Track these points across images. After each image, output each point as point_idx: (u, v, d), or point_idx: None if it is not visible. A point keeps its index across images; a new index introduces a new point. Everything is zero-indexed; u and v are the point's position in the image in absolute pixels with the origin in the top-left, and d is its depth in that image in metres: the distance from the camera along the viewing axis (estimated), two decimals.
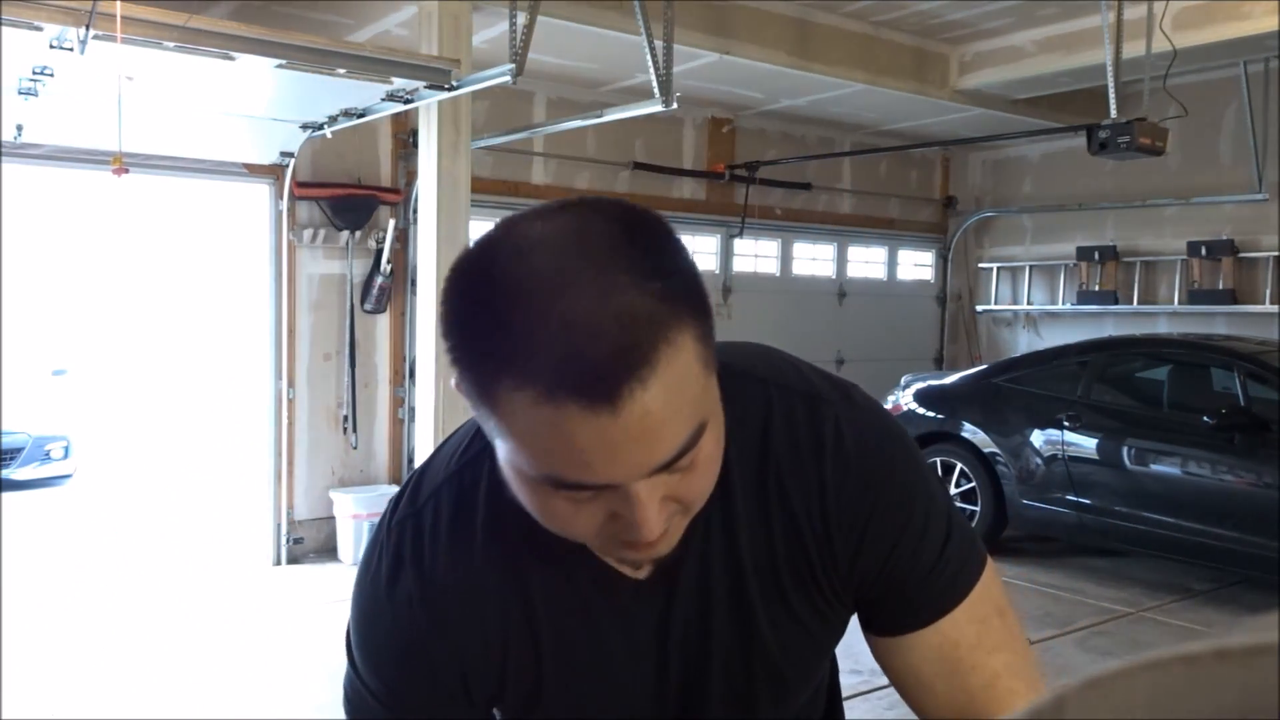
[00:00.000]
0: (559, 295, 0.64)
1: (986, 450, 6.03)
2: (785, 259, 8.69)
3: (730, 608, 0.87)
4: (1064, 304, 8.81)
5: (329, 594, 5.30)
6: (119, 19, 3.28)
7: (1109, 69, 5.26)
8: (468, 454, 0.88)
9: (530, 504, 0.73)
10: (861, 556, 0.87)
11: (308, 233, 5.92)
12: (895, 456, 0.88)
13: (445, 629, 0.85)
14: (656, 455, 0.67)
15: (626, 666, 0.89)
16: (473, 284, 0.68)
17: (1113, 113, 5.20)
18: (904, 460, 0.88)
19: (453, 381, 0.72)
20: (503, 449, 0.70)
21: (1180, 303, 7.98)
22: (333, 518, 6.04)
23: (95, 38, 3.39)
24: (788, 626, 0.89)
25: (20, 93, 4.18)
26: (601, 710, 0.90)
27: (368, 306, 6.20)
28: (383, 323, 6.32)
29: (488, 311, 0.66)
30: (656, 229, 0.69)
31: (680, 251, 0.70)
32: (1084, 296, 8.56)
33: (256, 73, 4.05)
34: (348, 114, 5.02)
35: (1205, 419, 5.17)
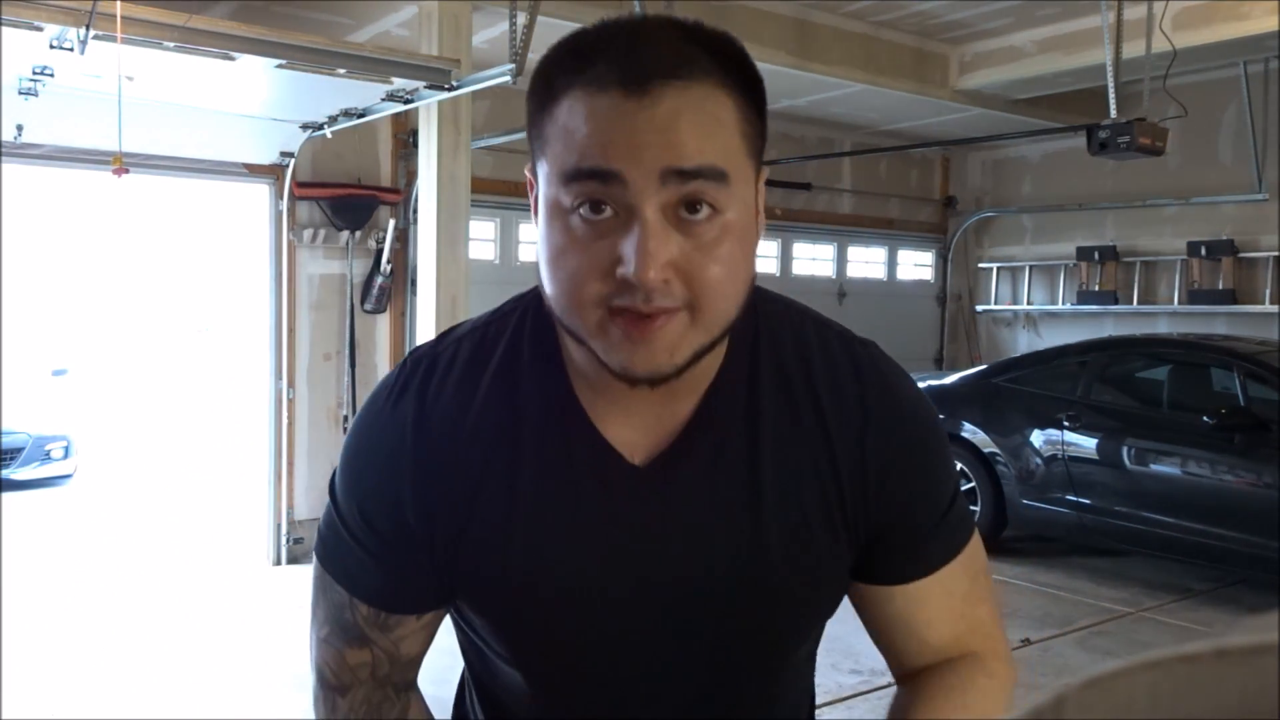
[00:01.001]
0: (637, 28, 0.75)
1: (986, 450, 6.03)
2: (785, 259, 8.69)
3: (738, 515, 0.85)
4: (1064, 304, 8.81)
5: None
6: (119, 19, 3.28)
7: (1109, 69, 5.25)
8: (496, 314, 0.91)
9: (548, 255, 0.75)
10: (888, 491, 0.87)
11: (308, 233, 5.92)
12: (925, 403, 0.92)
13: (427, 459, 0.84)
14: (675, 153, 0.70)
15: (603, 554, 0.84)
16: (564, 41, 0.76)
17: (1113, 113, 5.20)
18: (930, 408, 0.92)
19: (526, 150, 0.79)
20: (543, 175, 0.75)
21: (1180, 303, 7.99)
22: None
23: (95, 38, 3.39)
24: (800, 549, 0.86)
25: (20, 93, 4.18)
26: (565, 591, 0.85)
27: (368, 306, 6.20)
28: (383, 323, 6.32)
29: (572, 47, 0.75)
30: (744, 51, 0.78)
31: (756, 72, 0.78)
32: (1084, 296, 8.56)
33: (256, 73, 4.05)
34: (348, 114, 5.02)
35: (1205, 419, 5.17)
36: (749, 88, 0.76)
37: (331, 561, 0.90)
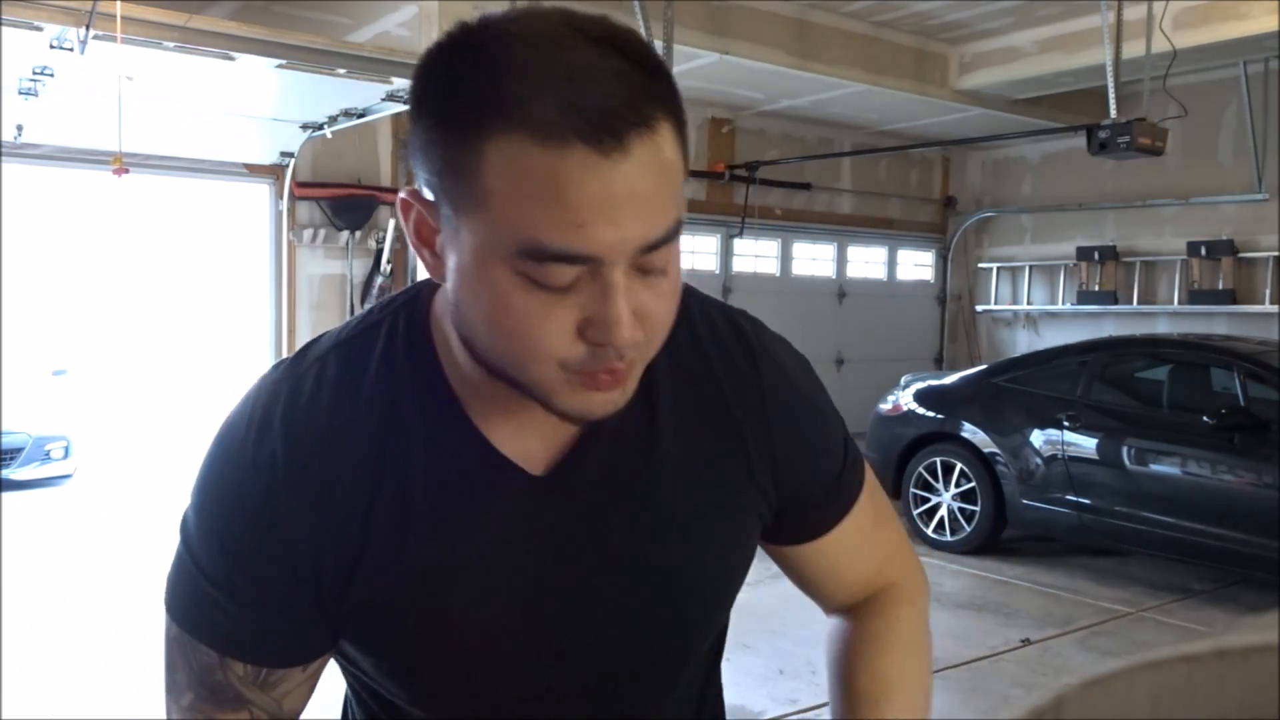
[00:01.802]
0: (559, 51, 0.61)
1: (986, 450, 6.03)
2: (785, 259, 8.69)
3: (640, 508, 0.81)
4: (1064, 304, 8.81)
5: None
6: (119, 19, 3.28)
7: (1109, 69, 5.25)
8: (362, 326, 0.81)
9: (494, 316, 0.66)
10: (794, 455, 0.86)
11: (308, 233, 5.92)
12: (807, 368, 0.91)
13: (307, 493, 0.75)
14: (648, 227, 0.63)
15: (502, 572, 0.79)
16: (456, 47, 0.64)
17: (1113, 113, 5.20)
18: (809, 368, 0.92)
19: (410, 186, 0.67)
20: (471, 233, 0.64)
21: (1180, 303, 7.99)
22: None
23: (95, 38, 3.39)
24: (710, 533, 0.83)
25: (20, 93, 4.19)
26: (467, 625, 0.79)
27: (368, 306, 6.21)
28: None
29: (477, 64, 0.62)
30: (639, 36, 0.67)
31: (661, 60, 0.67)
32: (1084, 296, 8.56)
33: (257, 73, 4.05)
34: (348, 114, 5.03)
35: (1205, 419, 5.17)
36: (671, 87, 0.66)
37: (192, 619, 0.81)
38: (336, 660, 0.87)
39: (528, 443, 0.78)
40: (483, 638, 0.80)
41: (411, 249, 0.71)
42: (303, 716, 0.87)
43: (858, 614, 0.97)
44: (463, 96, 0.62)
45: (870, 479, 0.95)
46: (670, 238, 0.65)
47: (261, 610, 0.78)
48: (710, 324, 0.86)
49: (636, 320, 0.66)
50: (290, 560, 0.76)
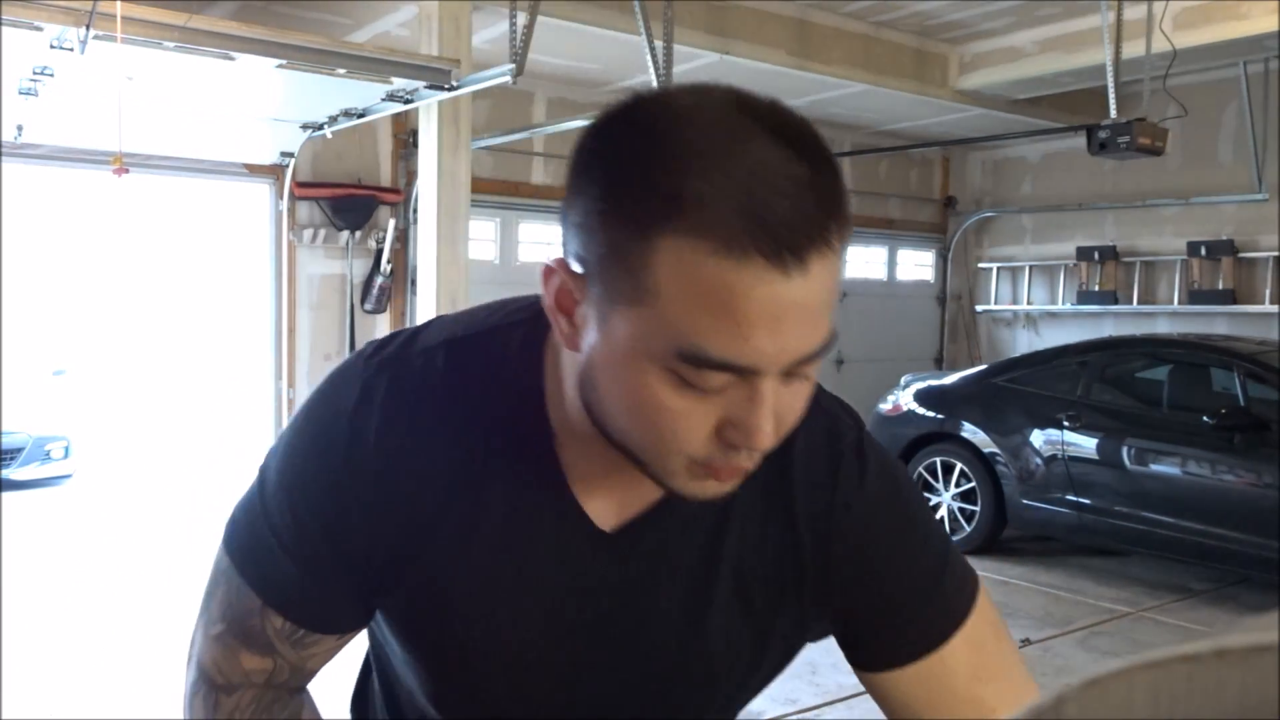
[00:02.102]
0: (739, 148, 0.59)
1: (986, 450, 6.03)
2: None
3: (688, 591, 0.82)
4: (1064, 304, 8.82)
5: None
6: (119, 19, 3.28)
7: (1109, 69, 5.26)
8: (478, 327, 0.81)
9: (635, 406, 0.66)
10: (858, 578, 0.83)
11: (308, 233, 5.92)
12: (904, 482, 0.87)
13: (385, 483, 0.76)
14: (808, 342, 0.63)
15: (540, 612, 0.81)
16: (626, 130, 0.62)
17: (1113, 113, 5.20)
18: (909, 490, 0.88)
19: (559, 257, 0.66)
20: (629, 324, 0.63)
21: (1180, 303, 7.99)
22: None
23: (95, 38, 3.39)
24: (740, 631, 0.84)
25: (20, 93, 4.19)
26: (497, 646, 0.81)
27: (368, 306, 6.20)
28: (383, 323, 6.32)
29: (649, 153, 0.60)
30: (812, 126, 0.65)
31: (831, 152, 0.65)
32: (1084, 296, 8.56)
33: (256, 73, 4.05)
34: (348, 114, 5.02)
35: (1205, 419, 5.17)
36: (842, 187, 0.64)
37: (246, 560, 0.82)
38: (368, 632, 0.90)
39: (605, 498, 0.79)
40: (505, 664, 0.82)
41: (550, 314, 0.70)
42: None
43: None
44: (637, 186, 0.61)
45: (980, 627, 0.86)
46: (826, 350, 0.65)
47: (313, 576, 0.80)
48: (807, 430, 0.80)
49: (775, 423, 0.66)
50: (348, 541, 0.77)
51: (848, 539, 0.83)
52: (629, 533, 0.80)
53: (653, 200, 0.60)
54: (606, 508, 0.79)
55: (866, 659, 0.87)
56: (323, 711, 0.94)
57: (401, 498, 0.77)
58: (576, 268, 0.65)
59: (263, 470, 0.83)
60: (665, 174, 0.59)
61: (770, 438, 0.65)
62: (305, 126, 5.35)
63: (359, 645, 1.00)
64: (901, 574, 0.85)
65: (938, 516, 6.17)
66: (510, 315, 0.81)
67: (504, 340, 0.79)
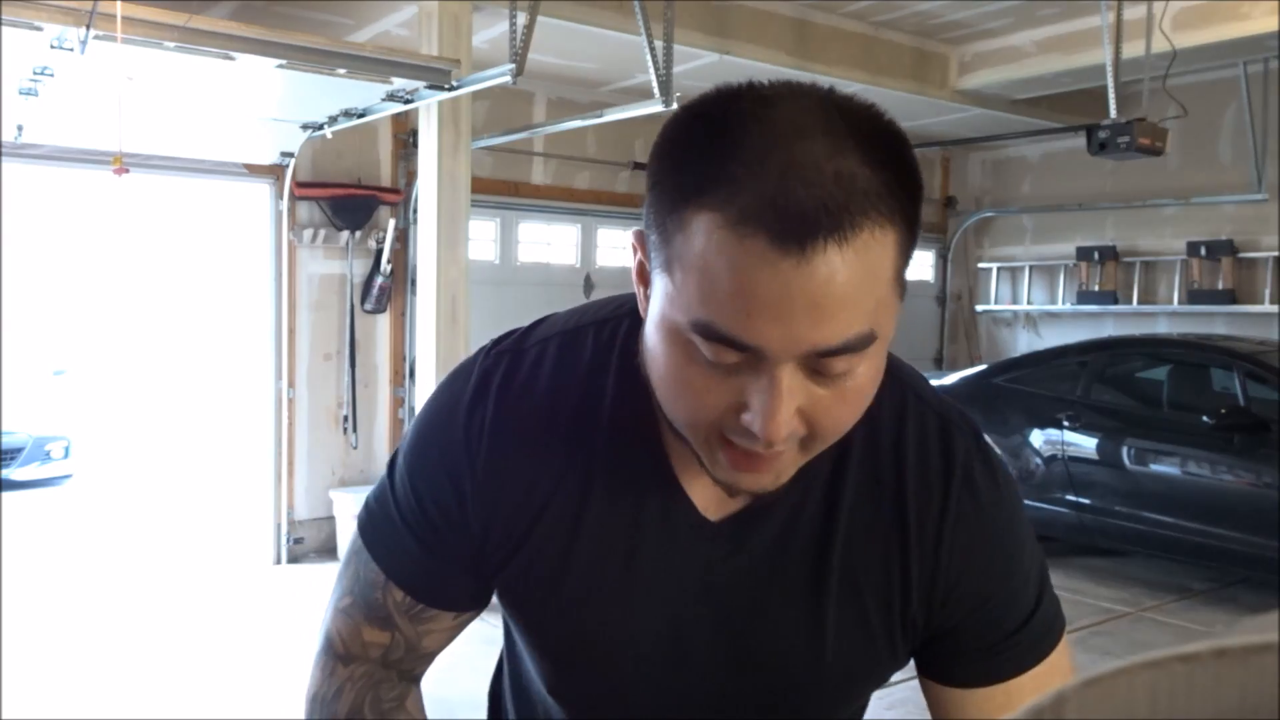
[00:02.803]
0: (790, 142, 0.62)
1: None
2: None
3: (798, 585, 0.82)
4: (1064, 304, 8.81)
5: (329, 594, 5.29)
6: (119, 19, 3.28)
7: (1109, 69, 5.26)
8: (590, 319, 0.85)
9: (663, 372, 0.69)
10: (957, 593, 0.83)
11: (308, 233, 5.92)
12: (1015, 505, 0.86)
13: (499, 468, 0.81)
14: (821, 332, 0.63)
15: (649, 599, 0.83)
16: (707, 111, 0.66)
17: (1113, 113, 5.20)
18: (1020, 513, 0.86)
19: (639, 230, 0.71)
20: (663, 290, 0.67)
21: (1180, 303, 7.98)
22: (333, 518, 6.04)
23: (95, 38, 3.39)
24: (853, 633, 0.83)
25: (20, 93, 4.18)
26: (602, 629, 0.84)
27: (368, 306, 6.20)
28: (383, 323, 6.32)
29: (714, 134, 0.64)
30: (902, 136, 0.67)
31: (914, 164, 0.67)
32: (1084, 296, 8.56)
33: (257, 73, 4.05)
34: (348, 114, 5.02)
35: (1205, 419, 5.17)
36: (911, 196, 0.65)
37: (374, 538, 0.88)
38: (502, 631, 0.95)
39: (711, 488, 0.79)
40: (615, 650, 0.85)
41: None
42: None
43: None
44: (687, 165, 0.64)
45: (1053, 675, 0.86)
46: (852, 348, 0.64)
47: (432, 553, 0.85)
48: (921, 431, 0.83)
49: (801, 417, 0.67)
50: (467, 520, 0.83)
51: (955, 551, 0.82)
52: (735, 524, 0.81)
53: (695, 176, 0.63)
54: (712, 497, 0.81)
55: (936, 670, 0.87)
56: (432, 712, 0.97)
57: (513, 482, 0.81)
58: (648, 237, 0.69)
59: (393, 455, 0.89)
60: (714, 158, 0.63)
61: (781, 427, 0.65)
62: (305, 126, 5.35)
63: (492, 651, 1.04)
64: (998, 601, 0.84)
65: None
66: (619, 308, 0.85)
67: (612, 331, 0.83)
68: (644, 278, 0.71)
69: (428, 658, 0.92)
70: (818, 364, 0.65)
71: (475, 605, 0.89)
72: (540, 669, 0.90)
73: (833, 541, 0.81)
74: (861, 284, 0.62)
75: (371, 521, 0.89)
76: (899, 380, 0.83)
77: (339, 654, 0.91)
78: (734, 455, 0.69)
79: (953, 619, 0.84)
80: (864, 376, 0.68)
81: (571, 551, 0.82)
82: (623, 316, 0.84)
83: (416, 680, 0.94)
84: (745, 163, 0.62)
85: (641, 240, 0.71)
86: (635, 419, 0.80)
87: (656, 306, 0.68)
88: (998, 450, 0.91)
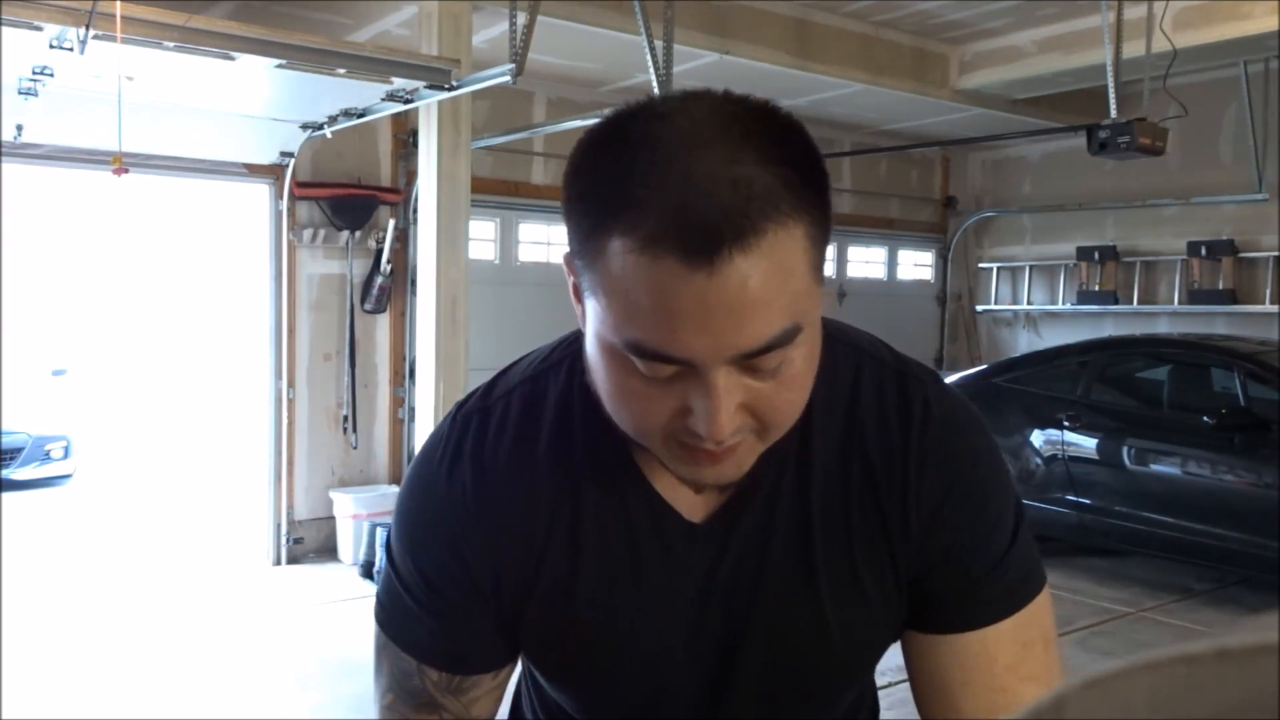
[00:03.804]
0: (686, 152, 0.64)
1: None
2: None
3: (790, 568, 0.84)
4: (1064, 304, 8.81)
5: (329, 594, 5.30)
6: (119, 19, 3.28)
7: (1109, 69, 5.25)
8: (544, 364, 0.88)
9: (607, 387, 0.71)
10: (932, 537, 0.83)
11: (308, 233, 5.92)
12: (980, 444, 0.86)
13: (491, 522, 0.83)
14: (744, 337, 0.65)
15: (662, 609, 0.85)
16: (606, 136, 0.68)
17: (1113, 113, 5.20)
18: (988, 450, 0.87)
19: (565, 253, 0.73)
20: (594, 311, 0.69)
21: (1180, 303, 7.98)
22: (333, 518, 6.04)
23: (95, 38, 3.39)
24: (852, 600, 0.85)
25: (20, 93, 4.18)
26: (625, 648, 0.86)
27: (368, 306, 6.20)
28: (383, 323, 6.32)
29: (614, 158, 0.66)
30: (798, 128, 0.70)
31: (814, 154, 0.69)
32: (1084, 296, 8.56)
33: (256, 73, 4.05)
34: (348, 114, 5.02)
35: (1205, 419, 5.17)
36: (814, 185, 0.67)
37: (394, 627, 0.89)
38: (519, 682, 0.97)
39: (689, 490, 0.82)
40: (642, 666, 0.87)
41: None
42: None
43: None
44: (594, 193, 0.67)
45: (1032, 624, 0.86)
46: (778, 344, 0.67)
47: (452, 624, 0.87)
48: (879, 393, 0.84)
49: (746, 411, 0.69)
50: (475, 582, 0.85)
51: (923, 492, 0.83)
52: (718, 522, 0.83)
53: (601, 203, 0.66)
54: (693, 500, 0.83)
55: (911, 616, 0.87)
56: None
57: (509, 533, 0.84)
58: (574, 262, 0.71)
59: (387, 543, 0.91)
60: (616, 180, 0.65)
61: (725, 425, 0.68)
62: (305, 126, 5.35)
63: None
64: (971, 538, 0.84)
65: None
66: (570, 345, 0.88)
67: (569, 367, 0.86)
68: (578, 297, 0.73)
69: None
70: (750, 363, 0.67)
71: (508, 660, 0.91)
72: (573, 701, 0.92)
73: (811, 519, 0.83)
74: (775, 283, 0.64)
75: (386, 613, 0.90)
76: (854, 347, 0.87)
77: None
78: (690, 453, 0.72)
79: (930, 560, 0.84)
80: (801, 362, 0.70)
81: (578, 578, 0.84)
82: (575, 353, 0.85)
83: None
84: (646, 184, 0.63)
85: (570, 263, 0.72)
86: (605, 441, 0.82)
87: (591, 326, 0.71)
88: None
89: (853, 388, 0.84)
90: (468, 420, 0.86)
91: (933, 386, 0.86)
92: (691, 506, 0.83)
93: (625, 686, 0.89)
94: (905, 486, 0.83)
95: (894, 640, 0.90)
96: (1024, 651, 0.85)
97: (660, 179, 0.63)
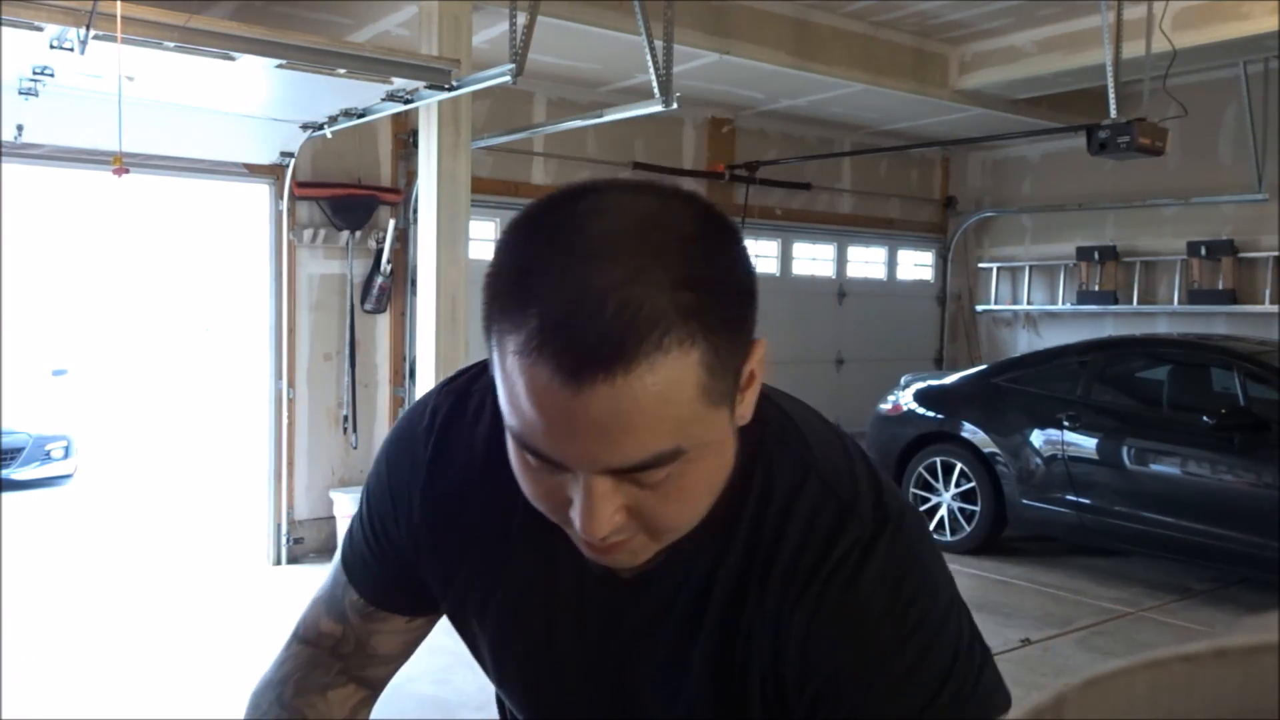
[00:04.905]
0: (587, 263, 0.63)
1: (986, 450, 6.03)
2: (785, 259, 8.69)
3: (665, 654, 0.82)
4: (1064, 304, 8.82)
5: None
6: (119, 19, 3.28)
7: (1109, 69, 5.26)
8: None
9: (511, 457, 0.73)
10: (802, 685, 0.76)
11: (308, 233, 5.92)
12: (897, 610, 0.74)
13: (435, 500, 0.88)
14: (615, 455, 0.65)
15: (563, 640, 0.87)
16: (533, 221, 0.69)
17: (1113, 113, 5.20)
18: (908, 619, 0.74)
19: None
20: (501, 390, 0.69)
21: (1180, 303, 7.99)
22: (333, 518, 6.04)
23: (95, 38, 3.39)
24: (707, 698, 0.81)
25: (20, 93, 4.19)
26: (527, 663, 0.90)
27: (368, 306, 6.20)
28: (383, 323, 6.32)
29: (528, 248, 0.67)
30: (728, 242, 0.68)
31: (736, 273, 0.67)
32: (1084, 296, 8.56)
33: (256, 73, 4.05)
34: (348, 114, 5.02)
35: (1205, 419, 5.17)
36: (724, 305, 0.65)
37: (346, 545, 0.99)
38: None
39: None
40: (533, 691, 0.92)
41: None
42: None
43: None
44: (504, 274, 0.67)
45: None
46: (655, 464, 0.65)
47: (381, 562, 0.95)
48: (810, 518, 0.77)
49: (628, 514, 0.69)
50: (403, 540, 0.91)
51: (793, 641, 0.76)
52: (640, 579, 0.81)
53: (504, 295, 0.66)
54: None
55: None
56: None
57: (443, 519, 0.88)
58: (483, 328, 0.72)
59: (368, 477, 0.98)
60: (520, 274, 0.65)
61: (601, 529, 0.68)
62: (305, 126, 5.35)
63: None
64: (847, 707, 0.74)
65: (938, 517, 6.20)
66: None
67: None
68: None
69: (378, 660, 1.00)
70: (630, 475, 0.67)
71: (419, 613, 0.97)
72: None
73: (704, 615, 0.80)
74: (651, 409, 0.63)
75: (349, 530, 0.99)
76: (803, 461, 0.79)
77: (299, 636, 1.02)
78: (581, 539, 0.72)
79: (796, 711, 0.77)
80: (693, 477, 0.69)
81: (494, 596, 0.88)
82: None
83: (368, 686, 1.00)
84: (541, 290, 0.63)
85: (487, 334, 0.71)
86: None
87: (500, 402, 0.70)
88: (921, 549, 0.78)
89: (786, 506, 0.77)
90: (448, 397, 0.90)
91: (873, 534, 0.75)
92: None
93: (524, 702, 0.94)
94: (804, 642, 0.75)
95: None
96: None
97: (554, 287, 0.63)
